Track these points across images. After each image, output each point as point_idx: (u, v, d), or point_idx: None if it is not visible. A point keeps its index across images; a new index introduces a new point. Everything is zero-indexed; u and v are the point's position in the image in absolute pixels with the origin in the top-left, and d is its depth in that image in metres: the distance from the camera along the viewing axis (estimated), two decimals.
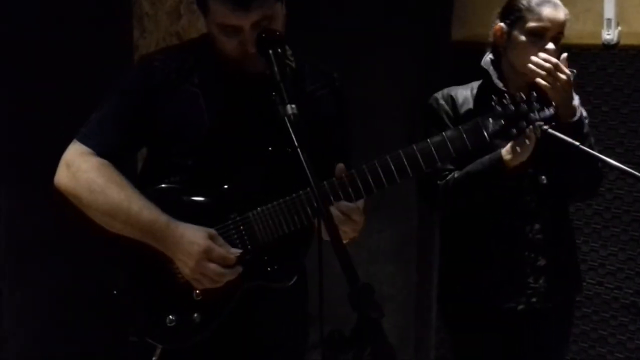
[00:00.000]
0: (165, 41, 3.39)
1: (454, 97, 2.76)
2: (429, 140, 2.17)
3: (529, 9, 2.63)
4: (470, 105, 2.73)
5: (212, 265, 2.09)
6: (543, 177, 2.70)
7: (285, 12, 2.15)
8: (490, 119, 2.22)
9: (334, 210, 2.07)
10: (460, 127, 2.20)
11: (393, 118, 4.20)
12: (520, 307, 2.72)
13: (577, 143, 2.46)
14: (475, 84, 2.80)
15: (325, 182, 2.09)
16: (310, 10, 3.38)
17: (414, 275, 4.51)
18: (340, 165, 2.14)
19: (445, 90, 2.81)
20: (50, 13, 3.18)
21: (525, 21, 2.63)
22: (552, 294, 2.75)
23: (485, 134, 2.20)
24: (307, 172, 1.84)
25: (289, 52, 2.23)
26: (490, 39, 2.77)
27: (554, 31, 2.62)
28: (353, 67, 3.60)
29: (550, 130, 2.38)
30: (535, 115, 2.29)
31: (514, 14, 2.67)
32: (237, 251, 2.13)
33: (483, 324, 2.79)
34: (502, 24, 2.70)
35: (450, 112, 2.74)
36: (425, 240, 4.45)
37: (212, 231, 2.13)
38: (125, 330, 2.26)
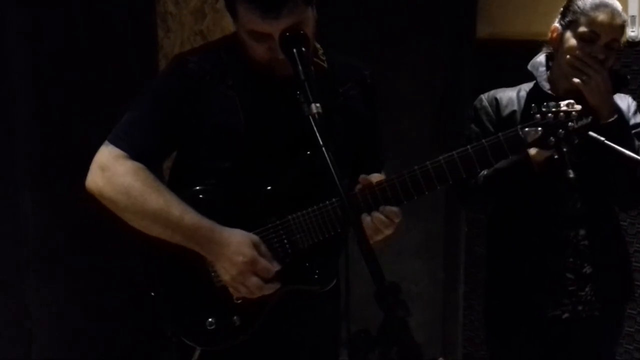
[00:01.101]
0: (190, 41, 3.38)
1: (499, 99, 2.74)
2: (469, 147, 2.16)
3: (583, 13, 2.59)
4: (515, 107, 2.71)
5: (254, 279, 2.09)
6: (570, 170, 2.61)
7: (316, 15, 2.12)
8: (529, 128, 2.21)
9: (378, 215, 2.10)
10: (500, 135, 2.18)
11: (419, 116, 4.20)
12: (565, 315, 2.68)
13: (602, 139, 2.41)
14: (524, 86, 2.78)
15: (357, 189, 2.11)
16: (337, 10, 3.38)
17: (441, 272, 4.51)
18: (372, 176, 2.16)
19: (492, 92, 2.79)
20: (75, 13, 3.20)
21: (578, 25, 2.58)
22: (599, 302, 2.70)
23: (525, 143, 2.20)
24: (332, 171, 1.83)
25: (321, 52, 2.21)
26: (547, 39, 2.72)
27: (607, 37, 2.57)
28: (379, 65, 3.58)
29: (577, 127, 2.31)
30: (573, 124, 2.25)
31: (569, 16, 2.62)
32: (277, 266, 2.12)
33: (526, 332, 2.76)
34: (557, 25, 2.66)
35: (492, 114, 2.73)
36: (452, 238, 4.46)
37: (256, 239, 2.12)
38: (163, 332, 2.25)
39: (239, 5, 2.04)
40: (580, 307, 2.67)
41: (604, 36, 2.55)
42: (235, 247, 2.10)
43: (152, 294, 2.23)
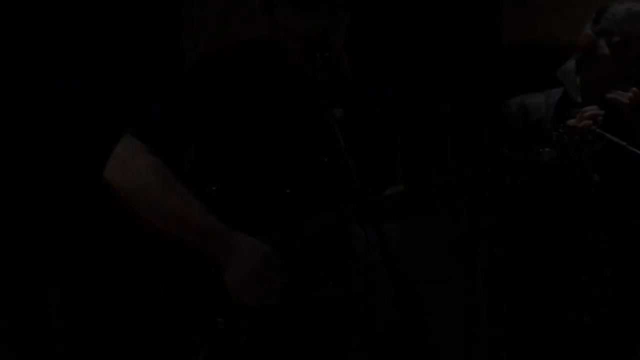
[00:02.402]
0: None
1: (527, 105, 2.76)
2: (489, 164, 2.20)
3: (618, 22, 2.62)
4: (543, 113, 2.73)
5: (256, 290, 2.10)
6: (596, 175, 2.67)
7: (348, 19, 2.16)
8: (546, 149, 2.21)
9: None
10: (520, 155, 2.22)
11: (442, 123, 4.21)
12: (586, 318, 2.70)
13: (624, 143, 2.46)
14: (553, 91, 2.80)
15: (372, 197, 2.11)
16: (359, 15, 3.40)
17: (461, 275, 4.52)
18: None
19: (519, 98, 2.81)
20: (102, 19, 3.31)
21: (612, 34, 2.61)
22: (620, 306, 2.72)
23: (543, 164, 2.21)
24: (354, 175, 1.87)
25: (345, 61, 2.23)
26: (578, 45, 2.75)
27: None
28: (403, 72, 3.68)
29: (598, 130, 2.38)
30: (588, 148, 2.26)
31: (603, 23, 2.65)
32: (285, 280, 2.11)
33: (547, 335, 2.76)
34: (590, 31, 2.68)
35: (520, 120, 2.76)
36: (472, 241, 4.45)
37: (268, 250, 2.12)
38: (173, 330, 2.25)
39: (278, 1, 2.08)
40: (601, 311, 2.69)
41: (637, 47, 2.59)
42: (244, 255, 2.11)
43: (164, 291, 2.23)
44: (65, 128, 3.29)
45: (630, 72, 2.63)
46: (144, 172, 2.15)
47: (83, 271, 3.29)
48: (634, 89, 2.58)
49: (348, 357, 2.42)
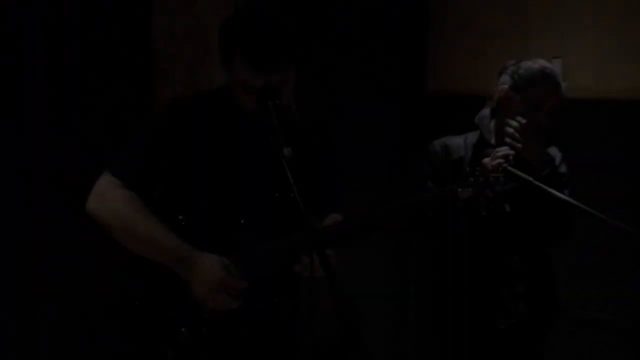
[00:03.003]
0: (182, 93, 3.50)
1: (449, 145, 2.92)
2: (412, 200, 2.36)
3: (531, 82, 2.75)
4: (462, 152, 2.88)
5: (222, 296, 2.25)
6: (507, 205, 2.70)
7: (295, 74, 2.29)
8: (462, 188, 2.39)
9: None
10: (437, 191, 2.40)
11: (376, 160, 4.32)
12: (501, 326, 2.90)
13: (531, 178, 2.58)
14: (470, 134, 2.94)
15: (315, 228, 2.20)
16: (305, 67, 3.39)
17: (397, 288, 4.70)
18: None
19: (442, 139, 2.96)
20: (79, 45, 3.32)
21: (527, 93, 2.76)
22: (530, 317, 2.90)
23: (459, 201, 2.39)
24: (301, 207, 1.98)
25: (294, 108, 2.37)
26: (495, 96, 2.87)
27: (550, 104, 2.76)
28: (341, 115, 3.64)
29: (509, 168, 2.56)
30: (500, 186, 2.42)
31: (517, 81, 2.79)
32: (245, 284, 2.26)
33: (470, 340, 2.95)
34: (507, 87, 2.81)
35: (442, 158, 2.92)
36: (404, 259, 4.63)
37: (227, 261, 2.27)
38: (141, 338, 2.38)
39: (234, 59, 2.22)
40: (514, 320, 2.91)
41: (548, 104, 2.77)
42: (208, 268, 2.24)
43: (136, 303, 2.38)
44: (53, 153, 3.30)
45: (541, 123, 2.77)
46: (119, 204, 2.30)
47: (68, 280, 3.33)
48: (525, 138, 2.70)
49: None
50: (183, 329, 2.33)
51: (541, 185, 2.59)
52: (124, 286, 2.42)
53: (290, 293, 2.43)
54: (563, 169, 2.92)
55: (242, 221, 2.34)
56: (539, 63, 2.81)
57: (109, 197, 2.32)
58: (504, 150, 2.67)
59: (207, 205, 2.35)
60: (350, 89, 4.16)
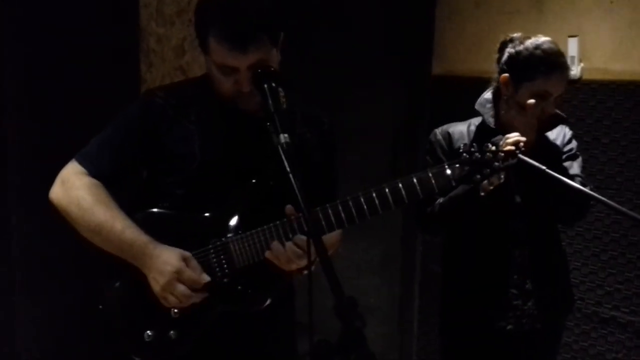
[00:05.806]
0: (170, 75, 3.50)
1: (451, 133, 2.85)
2: (399, 182, 2.23)
3: (539, 71, 2.65)
4: (465, 140, 2.81)
5: (181, 287, 2.16)
6: (517, 196, 2.75)
7: (280, 58, 2.23)
8: (457, 165, 2.27)
9: (290, 245, 2.17)
10: (428, 170, 2.27)
11: (379, 147, 4.29)
12: (509, 327, 2.80)
13: (544, 167, 2.49)
14: (474, 120, 2.89)
15: (318, 208, 2.17)
16: (301, 50, 3.44)
17: (397, 288, 4.63)
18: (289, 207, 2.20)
19: (445, 127, 2.90)
20: (63, 52, 3.23)
21: (534, 82, 2.65)
22: (541, 316, 2.81)
23: (451, 178, 2.26)
24: (299, 196, 1.89)
25: (282, 94, 2.21)
26: (497, 81, 2.80)
27: (558, 93, 2.67)
28: (343, 101, 3.70)
29: (521, 156, 2.41)
30: (499, 164, 2.32)
31: (522, 68, 2.68)
32: (206, 277, 2.19)
33: (476, 342, 2.87)
34: (507, 77, 2.72)
35: (445, 146, 2.84)
36: (408, 256, 4.57)
37: (187, 253, 2.20)
38: (108, 343, 2.33)
39: (210, 40, 2.16)
40: (523, 320, 2.80)
41: (556, 92, 2.67)
42: (165, 258, 2.16)
43: (100, 306, 2.32)
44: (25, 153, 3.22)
45: (546, 111, 2.68)
46: (80, 191, 2.24)
47: (46, 285, 3.26)
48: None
49: None
50: (149, 332, 2.26)
51: (554, 174, 2.50)
52: (88, 288, 2.36)
53: (268, 295, 2.32)
54: (573, 144, 2.88)
55: (209, 213, 2.28)
56: (541, 48, 2.69)
57: (70, 184, 2.27)
58: (514, 136, 2.56)
59: (180, 198, 2.30)
60: (353, 72, 4.07)
